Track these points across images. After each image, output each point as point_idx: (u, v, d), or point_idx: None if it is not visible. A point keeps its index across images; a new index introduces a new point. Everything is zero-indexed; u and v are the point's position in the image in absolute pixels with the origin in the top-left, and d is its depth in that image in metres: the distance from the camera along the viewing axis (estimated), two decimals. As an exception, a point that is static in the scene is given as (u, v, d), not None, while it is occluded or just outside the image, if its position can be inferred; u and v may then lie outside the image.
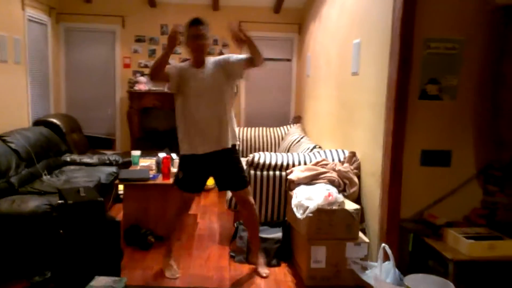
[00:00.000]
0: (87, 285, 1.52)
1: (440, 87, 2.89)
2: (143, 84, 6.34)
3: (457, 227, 2.68)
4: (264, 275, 3.22)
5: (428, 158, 2.94)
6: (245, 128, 6.18)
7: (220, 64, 3.08)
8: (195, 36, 2.99)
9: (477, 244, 2.45)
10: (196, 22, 3.02)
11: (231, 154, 3.16)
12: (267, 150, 5.84)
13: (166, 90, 3.26)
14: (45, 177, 4.29)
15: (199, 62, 3.08)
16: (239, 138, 5.36)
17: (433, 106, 2.91)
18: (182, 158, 3.21)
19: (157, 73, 2.96)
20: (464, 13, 2.85)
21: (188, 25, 3.03)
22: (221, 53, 6.54)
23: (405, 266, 2.74)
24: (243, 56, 3.03)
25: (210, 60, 3.12)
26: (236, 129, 3.22)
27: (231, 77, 3.12)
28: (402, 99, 2.88)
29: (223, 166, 3.14)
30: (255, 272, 3.28)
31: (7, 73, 4.69)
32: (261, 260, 3.33)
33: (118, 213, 4.31)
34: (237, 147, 3.23)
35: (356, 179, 3.39)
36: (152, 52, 6.57)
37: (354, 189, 3.34)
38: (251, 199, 3.27)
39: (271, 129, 6.08)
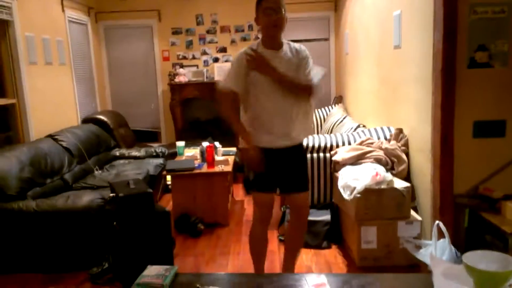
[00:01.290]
0: (140, 275, 1.55)
1: (490, 54, 2.73)
2: (183, 76, 6.42)
3: (516, 199, 2.55)
4: None
5: (481, 129, 2.79)
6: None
7: (303, 59, 2.54)
8: (272, 9, 2.39)
9: (539, 217, 2.32)
10: None
11: (301, 150, 2.70)
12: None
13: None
14: (97, 172, 4.46)
15: (276, 42, 2.50)
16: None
17: (484, 75, 2.75)
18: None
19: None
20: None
21: None
22: (257, 38, 6.50)
23: (461, 243, 2.64)
24: (309, 78, 2.53)
25: (287, 43, 2.57)
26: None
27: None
28: (449, 69, 2.75)
29: (292, 163, 2.62)
30: None
31: (53, 75, 4.87)
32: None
33: (168, 203, 4.41)
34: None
35: (404, 156, 3.28)
36: (190, 43, 6.62)
37: (403, 166, 3.24)
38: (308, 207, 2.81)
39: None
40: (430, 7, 2.88)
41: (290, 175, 2.64)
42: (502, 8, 2.69)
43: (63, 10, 5.20)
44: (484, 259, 2.39)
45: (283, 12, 2.43)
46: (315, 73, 2.56)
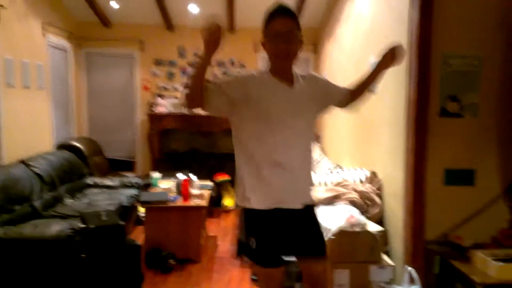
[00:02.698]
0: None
1: (460, 105, 2.85)
2: (163, 107, 6.42)
3: (485, 248, 2.61)
4: None
5: (452, 177, 2.88)
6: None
7: (320, 85, 2.15)
8: (281, 35, 1.92)
9: (506, 267, 2.37)
10: (281, 12, 1.94)
11: (312, 210, 2.14)
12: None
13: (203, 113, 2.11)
14: (68, 201, 4.35)
15: (285, 73, 2.02)
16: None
17: (455, 124, 2.86)
18: (249, 215, 2.01)
19: (195, 96, 1.85)
20: (482, 29, 2.82)
21: (268, 16, 1.97)
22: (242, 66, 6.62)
23: (431, 289, 2.67)
24: (344, 87, 2.26)
25: (299, 72, 2.10)
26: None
27: (326, 107, 2.24)
28: (422, 117, 2.85)
29: (303, 225, 2.06)
30: None
31: (30, 99, 4.81)
32: None
33: (139, 235, 4.32)
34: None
35: (378, 200, 3.34)
36: (171, 75, 6.67)
37: (377, 210, 3.28)
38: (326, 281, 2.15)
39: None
40: (404, 56, 3.00)
41: (300, 238, 2.06)
42: (473, 61, 2.83)
43: (44, 35, 5.18)
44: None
45: (297, 37, 1.96)
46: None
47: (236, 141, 2.04)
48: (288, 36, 1.92)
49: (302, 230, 2.05)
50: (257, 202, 1.97)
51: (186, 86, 1.92)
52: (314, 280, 2.08)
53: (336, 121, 5.31)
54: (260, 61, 6.71)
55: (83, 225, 3.05)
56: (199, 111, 1.97)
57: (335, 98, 2.21)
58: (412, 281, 2.55)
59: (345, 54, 4.85)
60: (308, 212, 2.08)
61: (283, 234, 2.00)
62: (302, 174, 2.05)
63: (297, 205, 2.01)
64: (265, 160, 1.96)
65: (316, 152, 5.43)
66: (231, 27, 6.49)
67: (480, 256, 2.50)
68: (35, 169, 4.18)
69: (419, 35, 2.81)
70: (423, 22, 2.79)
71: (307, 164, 2.09)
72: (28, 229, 3.26)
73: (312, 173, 2.16)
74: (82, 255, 2.94)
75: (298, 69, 2.10)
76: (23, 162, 4.20)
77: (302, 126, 2.02)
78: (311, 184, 2.14)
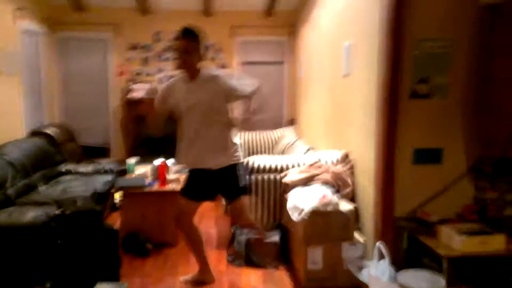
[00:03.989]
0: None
1: (430, 86, 2.92)
2: (137, 92, 6.35)
3: (450, 223, 2.72)
4: None
5: (420, 157, 2.97)
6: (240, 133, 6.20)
7: (219, 83, 2.89)
8: (177, 51, 2.83)
9: (469, 240, 2.49)
10: (182, 34, 2.83)
11: (231, 172, 2.99)
12: (262, 154, 5.87)
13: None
14: (42, 188, 4.30)
15: (191, 76, 2.90)
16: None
17: (424, 105, 2.94)
18: (188, 171, 3.13)
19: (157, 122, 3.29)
20: (453, 12, 2.88)
21: (176, 37, 2.87)
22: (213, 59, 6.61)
23: (400, 264, 2.77)
24: (242, 93, 2.96)
25: (208, 72, 2.94)
26: (238, 148, 3.06)
27: (228, 100, 2.96)
28: (393, 99, 2.92)
29: (222, 181, 3.00)
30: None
31: (0, 85, 4.70)
32: None
33: (115, 221, 4.32)
34: (239, 165, 3.05)
35: (349, 180, 3.42)
36: (146, 59, 6.60)
37: (348, 190, 3.37)
38: (246, 212, 3.18)
39: (266, 132, 6.11)
40: (377, 39, 3.06)
41: (222, 188, 3.08)
42: (443, 44, 2.89)
43: (15, 20, 5.05)
44: (416, 278, 2.55)
45: (190, 54, 2.79)
46: (248, 84, 3.00)
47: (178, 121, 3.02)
48: (183, 53, 2.79)
49: (219, 182, 3.00)
50: (186, 164, 3.11)
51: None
52: (237, 212, 3.17)
53: (310, 105, 5.38)
54: (236, 46, 6.71)
55: (59, 211, 3.04)
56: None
57: (233, 96, 2.95)
58: (382, 256, 2.65)
59: (321, 37, 4.89)
60: (224, 171, 2.95)
61: (201, 185, 3.04)
62: (213, 146, 2.91)
63: (210, 166, 2.95)
64: (186, 138, 2.97)
65: (290, 134, 5.50)
66: (207, 11, 6.45)
67: (445, 231, 2.61)
68: (6, 157, 4.12)
69: (392, 18, 2.85)
70: (396, 5, 2.84)
71: (218, 138, 2.92)
72: (3, 217, 3.23)
73: (229, 142, 2.99)
74: (58, 241, 2.93)
75: (210, 70, 3.00)
76: (-6, 150, 4.13)
77: (208, 113, 2.86)
78: (225, 151, 2.95)
